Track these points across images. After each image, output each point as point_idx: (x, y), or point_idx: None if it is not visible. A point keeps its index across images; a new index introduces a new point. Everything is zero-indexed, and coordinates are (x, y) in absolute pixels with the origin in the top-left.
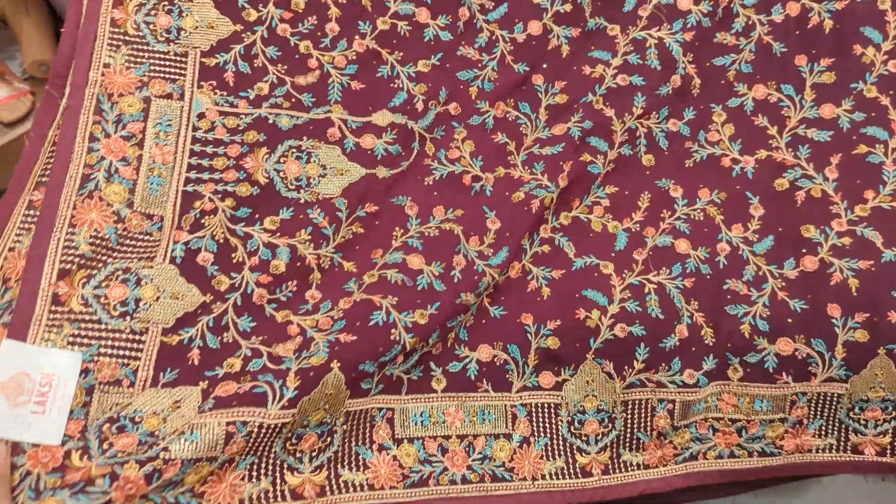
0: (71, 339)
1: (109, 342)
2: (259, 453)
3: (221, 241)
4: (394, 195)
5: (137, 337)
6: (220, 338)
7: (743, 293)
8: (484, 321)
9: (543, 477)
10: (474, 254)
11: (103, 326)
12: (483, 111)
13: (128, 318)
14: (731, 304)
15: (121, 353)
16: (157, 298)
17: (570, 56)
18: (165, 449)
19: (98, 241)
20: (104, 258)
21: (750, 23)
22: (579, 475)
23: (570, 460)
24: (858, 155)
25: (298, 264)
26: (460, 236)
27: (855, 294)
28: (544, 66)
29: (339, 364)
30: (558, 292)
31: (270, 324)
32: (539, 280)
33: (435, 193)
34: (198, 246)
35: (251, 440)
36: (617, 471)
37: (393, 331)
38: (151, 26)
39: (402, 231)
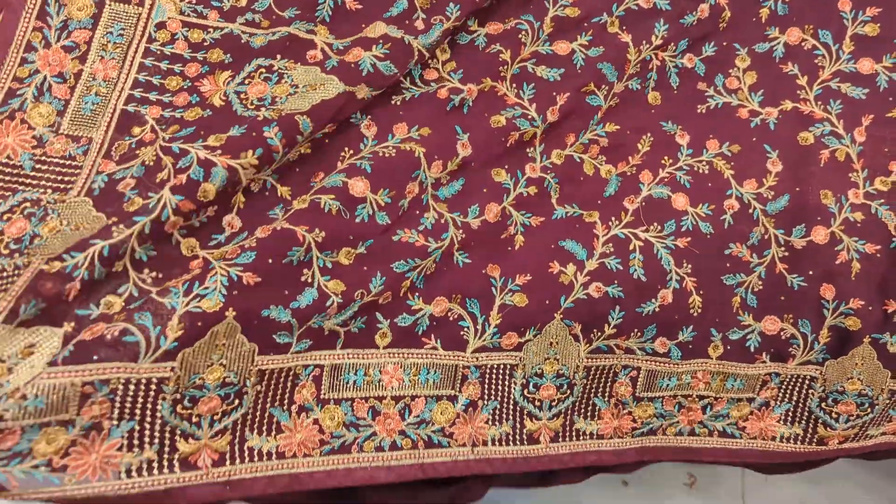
0: None
1: None
2: (139, 417)
3: (151, 164)
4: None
5: (18, 271)
6: (109, 268)
7: (745, 259)
8: (445, 269)
9: (485, 443)
10: (431, 181)
11: None
12: (472, 30)
13: (16, 255)
14: (730, 273)
15: None
16: (57, 232)
17: None
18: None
19: (9, 170)
20: (14, 186)
21: None
22: (524, 442)
23: (518, 426)
24: (891, 119)
25: (229, 189)
26: (421, 159)
27: (853, 279)
28: None
29: (234, 312)
30: (532, 242)
31: (172, 253)
32: (517, 226)
33: (401, 113)
34: (123, 175)
35: (117, 400)
36: (567, 438)
37: (306, 271)
38: None
39: (351, 152)
